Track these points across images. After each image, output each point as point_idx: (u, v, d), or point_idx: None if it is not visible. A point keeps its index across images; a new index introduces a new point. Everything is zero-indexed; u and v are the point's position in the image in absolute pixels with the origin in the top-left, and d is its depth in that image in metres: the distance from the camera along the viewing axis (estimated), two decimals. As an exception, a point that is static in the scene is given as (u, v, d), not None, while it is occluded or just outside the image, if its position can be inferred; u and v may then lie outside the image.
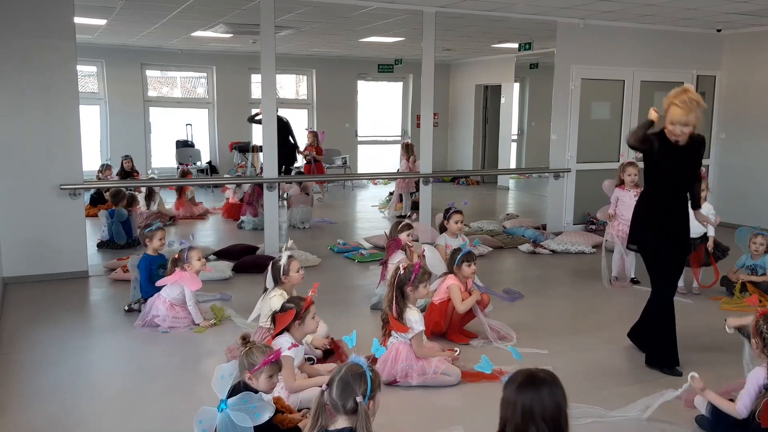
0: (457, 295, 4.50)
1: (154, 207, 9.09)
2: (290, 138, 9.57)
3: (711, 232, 5.66)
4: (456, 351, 4.18)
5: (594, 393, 3.76)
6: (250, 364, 2.81)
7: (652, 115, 3.96)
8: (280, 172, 8.92)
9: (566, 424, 2.08)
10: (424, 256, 4.97)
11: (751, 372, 3.12)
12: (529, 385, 2.09)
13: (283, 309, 3.54)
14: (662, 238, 4.11)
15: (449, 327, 4.59)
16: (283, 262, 4.27)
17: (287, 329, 3.49)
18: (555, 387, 2.08)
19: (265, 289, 4.33)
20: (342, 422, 2.27)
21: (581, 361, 4.26)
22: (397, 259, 5.02)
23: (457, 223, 5.54)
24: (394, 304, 3.85)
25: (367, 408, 2.27)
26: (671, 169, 4.02)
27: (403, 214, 9.56)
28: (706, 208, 5.70)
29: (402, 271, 3.88)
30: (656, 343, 4.16)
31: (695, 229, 5.40)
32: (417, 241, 5.80)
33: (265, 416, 2.60)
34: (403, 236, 5.18)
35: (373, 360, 3.76)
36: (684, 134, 3.91)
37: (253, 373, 2.80)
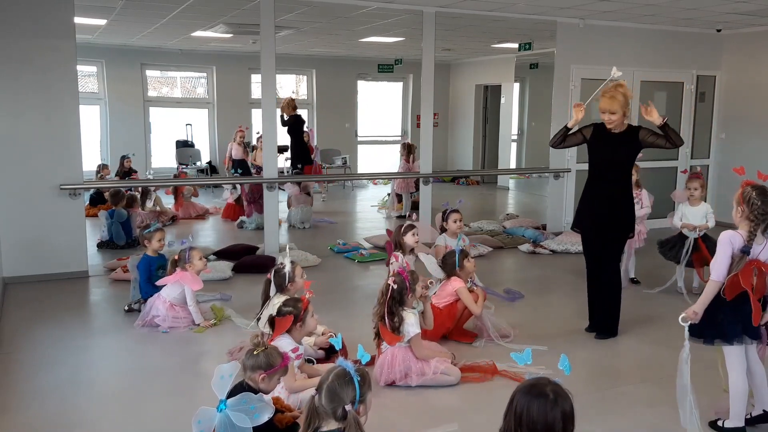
0: (469, 297, 4.52)
1: (149, 204, 9.10)
2: (304, 136, 9.51)
3: (711, 224, 5.65)
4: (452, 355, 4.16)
5: (594, 393, 3.76)
6: (269, 365, 2.80)
7: (572, 120, 4.59)
8: (296, 172, 8.97)
9: None
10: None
11: (721, 235, 3.14)
12: (526, 391, 2.06)
13: (281, 313, 3.53)
14: (580, 220, 4.72)
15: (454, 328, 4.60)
16: (288, 269, 4.22)
17: (288, 331, 3.49)
18: (551, 406, 2.01)
19: (267, 298, 4.25)
20: (334, 424, 2.26)
21: (581, 361, 4.26)
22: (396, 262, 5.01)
23: (455, 222, 5.52)
24: (387, 319, 3.79)
25: (357, 413, 2.25)
26: (601, 156, 4.53)
27: (403, 214, 9.56)
28: (704, 208, 5.70)
29: (394, 285, 3.84)
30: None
31: (696, 223, 5.64)
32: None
33: (265, 417, 2.60)
34: (408, 237, 5.14)
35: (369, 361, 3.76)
36: (612, 121, 4.39)
37: (269, 374, 2.80)
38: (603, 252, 4.65)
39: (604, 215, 4.55)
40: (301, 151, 9.19)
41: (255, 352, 2.82)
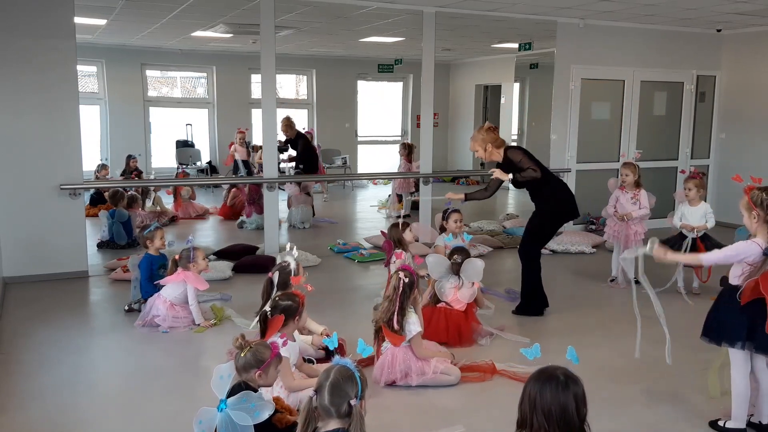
0: (481, 296, 4.86)
1: (149, 203, 9.08)
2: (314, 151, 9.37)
3: (711, 224, 5.66)
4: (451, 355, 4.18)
5: (594, 393, 3.75)
6: (259, 361, 2.79)
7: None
8: (296, 171, 8.94)
9: (577, 426, 2.05)
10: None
11: (740, 242, 3.15)
12: (536, 377, 2.10)
13: (278, 307, 3.52)
14: None
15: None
16: (293, 266, 4.24)
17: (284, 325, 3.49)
18: (563, 388, 2.05)
19: (268, 298, 4.25)
20: (334, 424, 2.25)
21: (582, 361, 4.24)
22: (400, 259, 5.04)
23: (456, 222, 5.54)
24: (396, 316, 3.79)
25: (360, 408, 2.26)
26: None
27: (405, 214, 9.54)
28: (704, 208, 5.70)
29: (406, 279, 3.85)
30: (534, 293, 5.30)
31: (695, 223, 5.68)
32: (417, 240, 5.81)
33: (265, 414, 2.60)
34: (408, 234, 5.19)
35: (364, 361, 3.75)
36: (481, 156, 5.27)
37: (264, 369, 2.80)
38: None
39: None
40: (310, 166, 9.11)
41: (242, 354, 2.81)
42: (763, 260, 3.04)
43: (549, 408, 2.04)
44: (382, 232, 5.62)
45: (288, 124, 9.06)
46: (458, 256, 4.77)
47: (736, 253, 3.12)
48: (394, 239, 5.17)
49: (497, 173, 5.14)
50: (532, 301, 5.30)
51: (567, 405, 2.05)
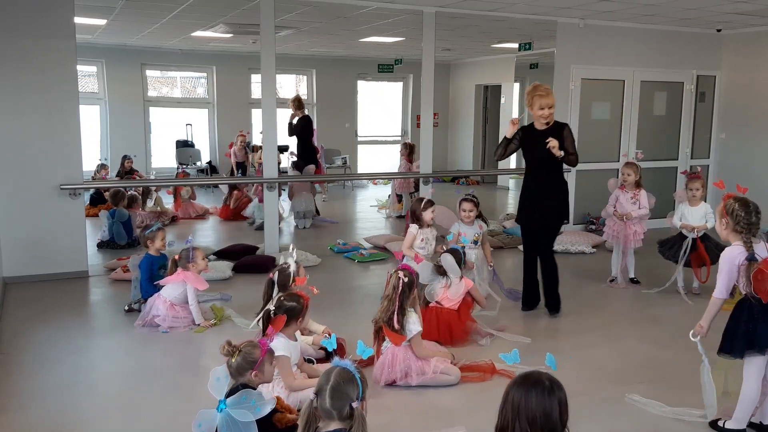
0: (479, 295, 4.85)
1: (150, 203, 9.07)
2: (313, 138, 9.36)
3: (711, 224, 5.63)
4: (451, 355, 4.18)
5: (594, 393, 3.76)
6: (251, 362, 2.80)
7: (509, 131, 4.98)
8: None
9: None
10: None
11: (723, 253, 3.23)
12: (521, 383, 2.08)
13: (282, 306, 3.52)
14: (522, 214, 5.24)
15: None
16: (293, 268, 4.24)
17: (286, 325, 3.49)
18: (548, 394, 2.03)
19: (269, 299, 4.26)
20: (335, 425, 2.24)
21: (582, 361, 4.26)
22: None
23: (464, 211, 5.56)
24: (396, 315, 3.79)
25: (361, 410, 2.25)
26: (536, 153, 4.91)
27: (403, 215, 9.55)
28: (704, 209, 5.70)
29: (405, 279, 3.85)
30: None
31: (695, 223, 5.67)
32: (433, 222, 5.85)
33: (267, 408, 2.59)
34: (427, 213, 5.21)
35: (364, 362, 3.75)
36: (550, 114, 4.91)
37: (258, 368, 2.80)
38: (545, 239, 5.21)
39: (542, 206, 5.06)
40: (309, 154, 9.12)
41: (233, 360, 2.80)
42: (748, 264, 3.11)
43: (534, 414, 2.01)
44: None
45: (298, 103, 9.07)
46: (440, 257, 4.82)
47: (727, 264, 3.18)
48: (414, 213, 5.23)
49: (553, 143, 4.77)
50: (556, 295, 5.24)
51: (552, 411, 2.02)
